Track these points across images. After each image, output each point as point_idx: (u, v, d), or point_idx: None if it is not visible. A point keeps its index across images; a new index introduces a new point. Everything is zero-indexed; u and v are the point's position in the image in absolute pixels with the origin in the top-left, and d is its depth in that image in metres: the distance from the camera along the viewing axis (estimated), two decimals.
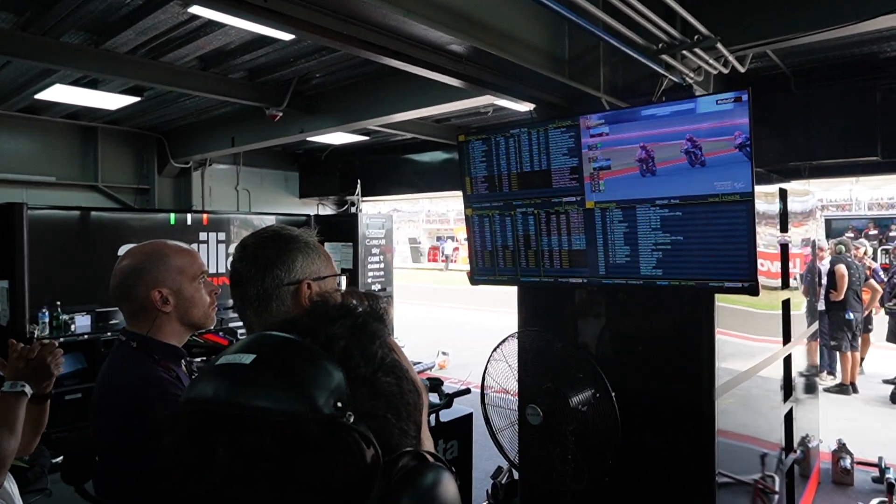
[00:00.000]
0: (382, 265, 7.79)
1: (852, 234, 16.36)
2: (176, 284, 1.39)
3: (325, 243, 1.33)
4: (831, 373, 7.38)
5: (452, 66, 2.77)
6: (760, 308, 3.20)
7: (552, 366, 2.61)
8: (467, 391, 3.48)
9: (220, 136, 6.52)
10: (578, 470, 2.50)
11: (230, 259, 1.31)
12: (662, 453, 2.71)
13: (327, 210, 9.32)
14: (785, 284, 3.49)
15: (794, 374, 3.74)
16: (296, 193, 9.06)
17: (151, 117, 6.52)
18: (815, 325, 4.68)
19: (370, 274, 7.60)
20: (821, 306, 6.73)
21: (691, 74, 2.96)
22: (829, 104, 4.54)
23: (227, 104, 5.69)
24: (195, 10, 2.79)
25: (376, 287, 7.64)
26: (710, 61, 2.92)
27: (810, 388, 4.37)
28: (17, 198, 5.68)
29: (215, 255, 6.46)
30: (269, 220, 6.90)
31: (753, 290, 2.29)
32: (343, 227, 7.41)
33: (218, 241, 6.52)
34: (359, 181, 8.09)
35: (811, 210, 4.43)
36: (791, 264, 3.56)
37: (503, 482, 3.73)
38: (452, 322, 12.94)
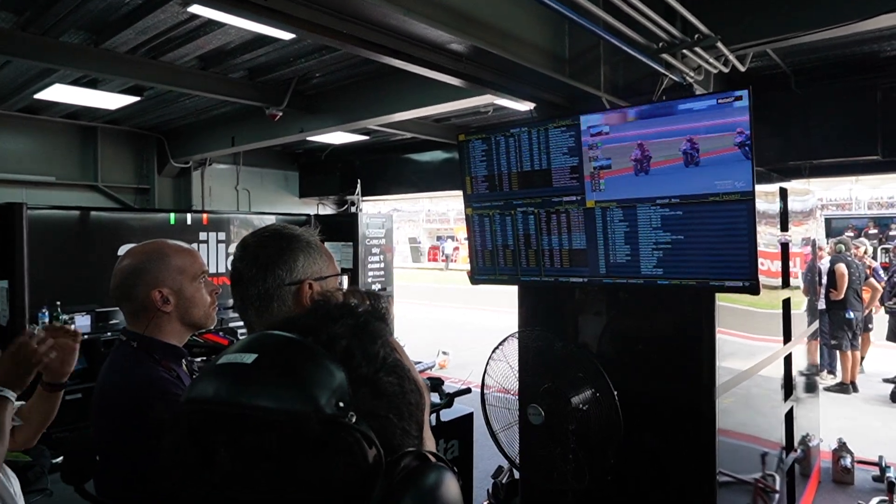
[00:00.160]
0: (382, 265, 7.78)
1: (852, 234, 16.35)
2: (176, 284, 1.39)
3: (326, 243, 1.32)
4: (832, 372, 7.38)
5: (452, 65, 2.76)
6: (761, 307, 3.20)
7: (552, 365, 2.61)
8: (468, 391, 3.48)
9: (220, 136, 6.52)
10: (580, 469, 2.50)
11: (230, 258, 1.30)
12: (663, 453, 2.71)
13: (327, 210, 9.32)
14: (785, 283, 3.49)
15: (794, 373, 3.74)
16: (296, 193, 9.05)
17: (151, 117, 6.51)
18: (816, 325, 4.67)
19: (370, 274, 7.59)
20: (821, 305, 6.74)
21: (691, 73, 2.95)
22: (830, 103, 4.54)
23: (226, 104, 5.69)
24: (195, 9, 2.79)
25: (376, 287, 7.63)
26: (711, 60, 2.92)
27: (811, 388, 4.37)
28: (17, 198, 5.67)
29: (215, 255, 6.45)
30: (270, 220, 6.89)
31: (754, 289, 2.29)
32: (343, 227, 7.41)
33: (218, 241, 6.52)
34: (359, 181, 8.08)
35: (811, 209, 4.43)
36: (791, 263, 3.56)
37: (504, 482, 3.73)
38: (453, 322, 12.94)
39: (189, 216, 6.41)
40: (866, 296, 7.38)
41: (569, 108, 3.27)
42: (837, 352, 7.18)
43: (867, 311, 7.46)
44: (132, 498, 1.20)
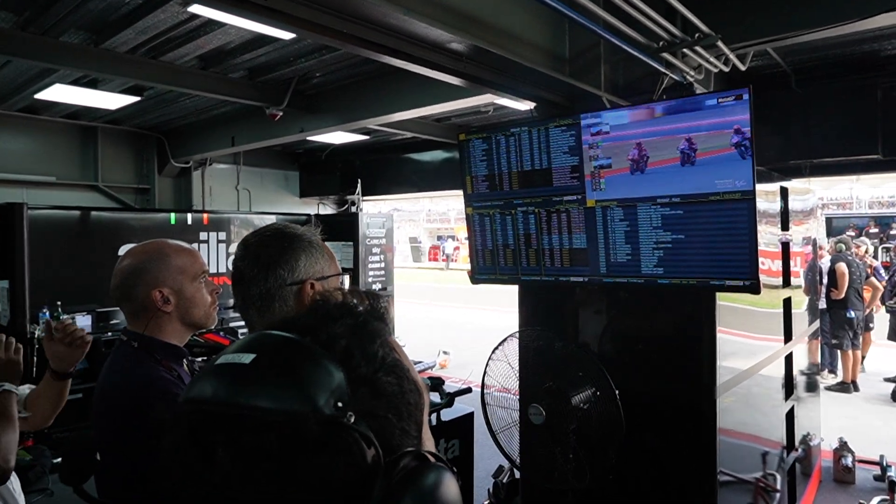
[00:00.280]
0: (383, 264, 7.78)
1: (854, 233, 16.35)
2: (177, 284, 1.39)
3: (326, 243, 1.31)
4: (832, 371, 7.37)
5: (453, 65, 2.76)
6: (761, 306, 3.20)
7: (553, 365, 2.61)
8: (468, 390, 3.48)
9: (221, 136, 6.52)
10: (580, 468, 2.50)
11: (231, 258, 1.30)
12: (663, 452, 2.71)
13: (328, 209, 9.32)
14: (786, 283, 3.49)
15: (795, 372, 3.74)
16: (296, 193, 9.05)
17: (151, 117, 6.51)
18: (816, 324, 4.67)
19: (371, 273, 7.60)
20: (822, 304, 6.73)
21: (692, 72, 2.95)
22: (830, 102, 4.54)
23: (227, 104, 5.68)
24: (195, 9, 2.79)
25: (377, 286, 7.63)
26: (711, 59, 2.92)
27: (811, 387, 4.37)
28: (18, 198, 5.68)
29: (216, 255, 6.46)
30: (270, 220, 6.89)
31: (755, 288, 2.28)
32: (343, 227, 7.41)
33: (218, 241, 6.52)
34: (359, 180, 8.09)
35: (812, 208, 4.42)
36: (792, 263, 3.55)
37: (504, 481, 3.73)
38: (453, 321, 12.94)
39: (189, 216, 6.41)
40: (867, 295, 7.37)
41: (569, 107, 3.26)
42: (838, 351, 7.18)
43: (868, 311, 7.45)
44: (132, 498, 1.20)
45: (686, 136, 2.31)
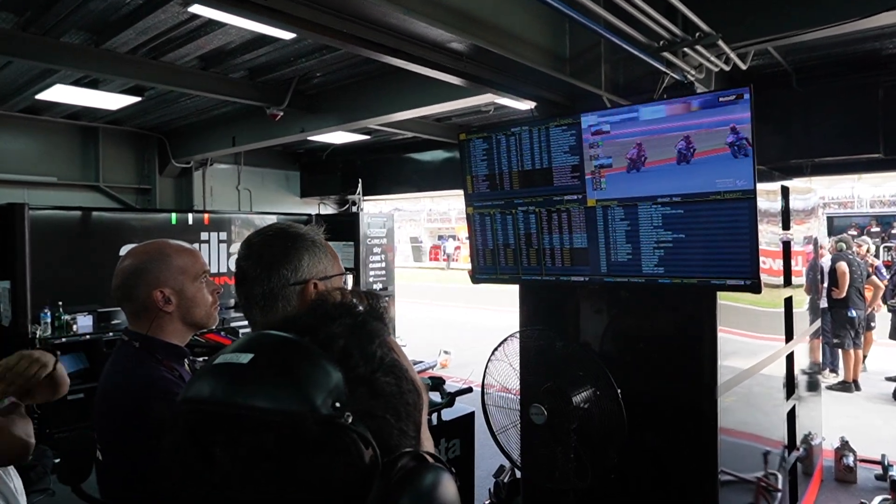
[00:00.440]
0: (384, 264, 7.78)
1: (856, 232, 16.34)
2: (178, 284, 1.39)
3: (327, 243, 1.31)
4: (834, 370, 7.36)
5: (453, 64, 2.76)
6: (762, 306, 3.20)
7: (554, 364, 2.61)
8: (469, 390, 3.47)
9: (221, 136, 6.52)
10: (582, 468, 2.50)
11: (232, 258, 1.30)
12: (664, 452, 2.71)
13: (328, 209, 9.32)
14: (787, 282, 3.49)
15: (796, 371, 3.73)
16: (297, 193, 9.06)
17: (152, 117, 6.52)
18: (818, 323, 4.67)
19: (371, 273, 7.60)
20: (823, 304, 6.72)
21: (692, 72, 2.95)
22: (831, 101, 4.53)
23: (227, 104, 5.69)
24: (195, 9, 2.79)
25: (378, 286, 7.63)
26: (712, 58, 2.92)
27: (813, 386, 4.37)
28: (19, 198, 5.68)
29: (217, 255, 6.46)
30: (271, 220, 6.89)
31: (756, 287, 2.28)
32: (344, 227, 7.41)
33: (219, 241, 6.52)
34: (360, 180, 8.09)
35: (813, 207, 4.42)
36: (793, 262, 3.55)
37: (505, 481, 3.73)
38: (454, 321, 12.94)
39: (190, 216, 6.41)
40: (868, 294, 7.36)
41: (570, 106, 3.26)
42: (840, 350, 7.17)
43: (869, 310, 7.44)
44: (133, 498, 1.20)
45: (685, 135, 2.31)
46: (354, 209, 8.19)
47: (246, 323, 1.28)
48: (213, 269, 6.19)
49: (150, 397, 1.24)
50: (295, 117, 5.43)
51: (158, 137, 7.21)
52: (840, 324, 7.03)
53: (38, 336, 4.92)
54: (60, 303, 5.12)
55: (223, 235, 6.56)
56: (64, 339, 5.07)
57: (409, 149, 7.94)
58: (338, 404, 0.49)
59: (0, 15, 3.62)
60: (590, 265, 2.70)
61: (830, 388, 6.80)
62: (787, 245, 3.45)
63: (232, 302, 6.27)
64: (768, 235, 3.11)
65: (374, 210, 10.10)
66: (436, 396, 3.12)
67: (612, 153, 2.52)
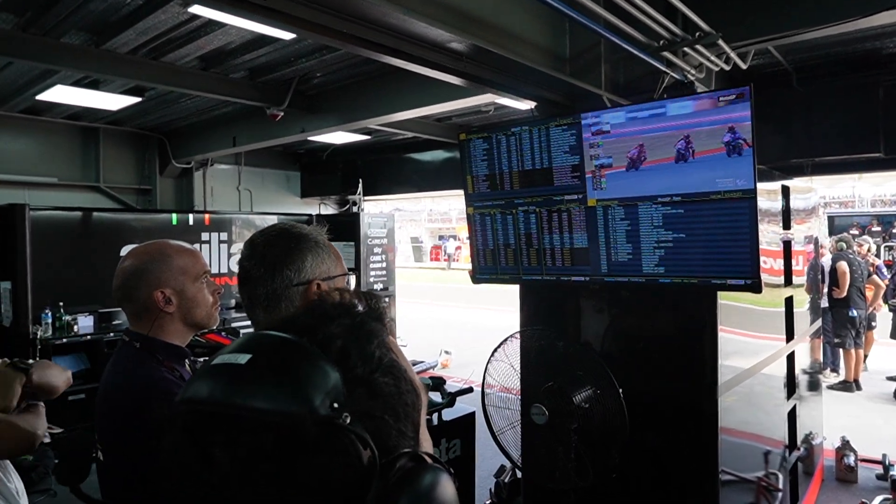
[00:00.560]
0: (384, 264, 7.79)
1: (857, 231, 16.33)
2: (179, 284, 1.39)
3: None
4: (835, 370, 7.36)
5: (453, 64, 2.76)
6: (763, 305, 3.20)
7: (555, 364, 2.61)
8: (470, 390, 3.47)
9: (222, 136, 6.52)
10: (583, 467, 2.50)
11: (233, 258, 1.29)
12: (665, 451, 2.71)
13: (329, 209, 9.33)
14: (788, 282, 3.48)
15: (797, 371, 3.73)
16: (297, 193, 9.06)
17: (153, 118, 6.52)
18: (818, 323, 4.66)
19: (372, 273, 7.60)
20: (824, 303, 6.72)
21: (693, 71, 2.95)
22: (832, 100, 4.53)
23: (228, 104, 5.69)
24: (195, 9, 2.79)
25: (378, 286, 7.64)
26: (712, 58, 2.91)
27: (814, 386, 4.36)
28: (19, 199, 5.69)
29: (217, 256, 6.46)
30: (271, 220, 6.90)
31: (756, 287, 2.28)
32: (345, 227, 7.41)
33: (220, 242, 6.53)
34: (360, 180, 8.09)
35: (814, 207, 4.42)
36: (794, 261, 3.55)
37: (506, 481, 3.73)
38: (455, 321, 12.94)
39: (191, 216, 6.42)
40: (869, 293, 7.36)
41: (570, 106, 3.26)
42: (841, 350, 7.16)
43: (870, 309, 7.44)
44: (134, 499, 1.21)
45: (685, 134, 2.31)
46: (355, 209, 8.19)
47: (247, 323, 1.28)
48: (214, 270, 6.19)
49: (151, 398, 1.24)
50: (295, 117, 5.43)
51: (159, 138, 7.22)
52: (841, 323, 7.02)
53: (39, 337, 4.93)
54: (61, 303, 5.12)
55: (224, 236, 6.56)
56: (65, 340, 5.08)
57: (409, 149, 7.94)
58: (336, 405, 0.49)
59: (0, 16, 3.62)
60: (590, 265, 2.70)
61: (831, 387, 6.80)
62: (787, 244, 3.45)
63: (233, 302, 6.27)
64: (769, 235, 3.11)
65: (374, 210, 10.10)
66: (436, 396, 3.12)
67: (613, 153, 2.52)
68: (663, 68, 2.82)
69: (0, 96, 5.48)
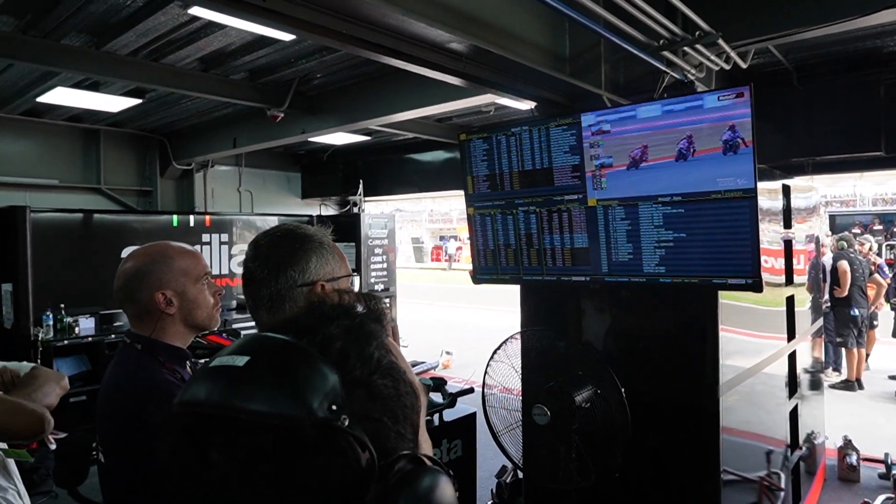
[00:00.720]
0: (385, 265, 7.79)
1: (859, 230, 16.31)
2: (180, 286, 1.39)
3: None
4: (836, 369, 7.35)
5: (453, 65, 2.76)
6: (764, 305, 3.19)
7: (556, 364, 2.61)
8: (470, 390, 3.47)
9: (222, 138, 6.53)
10: (585, 467, 2.50)
11: (234, 259, 1.29)
12: (666, 451, 2.71)
13: (330, 210, 9.33)
14: (789, 281, 3.48)
15: (798, 370, 3.73)
16: (298, 194, 9.06)
17: (153, 119, 6.53)
18: (820, 322, 4.66)
19: (373, 274, 7.60)
20: (825, 303, 6.71)
21: (693, 71, 2.95)
22: (832, 99, 4.52)
23: (228, 105, 5.70)
24: (195, 11, 2.80)
25: (379, 287, 7.64)
26: (712, 57, 2.91)
27: (815, 385, 4.36)
28: (20, 201, 5.69)
29: (218, 257, 6.46)
30: (272, 221, 6.90)
31: (757, 286, 2.28)
32: (346, 228, 7.42)
33: (221, 243, 6.53)
34: (361, 181, 8.10)
35: (815, 206, 4.41)
36: (795, 260, 3.54)
37: (508, 481, 3.73)
38: (456, 321, 12.94)
39: (192, 218, 6.42)
40: (871, 292, 7.35)
41: (570, 106, 3.26)
42: (842, 349, 7.16)
43: (872, 308, 7.43)
44: (135, 501, 1.21)
45: (686, 133, 2.31)
46: (356, 210, 8.19)
47: (248, 324, 1.28)
48: (215, 271, 6.19)
49: (152, 400, 1.24)
50: (295, 118, 5.44)
51: (159, 139, 7.22)
52: (843, 322, 7.01)
53: (40, 338, 4.93)
54: (62, 305, 5.13)
55: (225, 237, 6.56)
56: (66, 342, 5.08)
57: (409, 149, 7.95)
58: (334, 407, 0.49)
59: (0, 18, 3.62)
60: (591, 265, 2.70)
61: (833, 386, 6.79)
62: (788, 244, 3.44)
63: (234, 304, 6.27)
64: (770, 234, 3.11)
65: (375, 211, 10.11)
66: (437, 397, 3.12)
67: (613, 152, 2.52)
68: (663, 68, 2.82)
69: (1, 98, 5.49)
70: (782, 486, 3.38)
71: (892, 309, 7.51)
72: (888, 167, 5.27)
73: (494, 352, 2.80)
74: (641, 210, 2.49)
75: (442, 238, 33.74)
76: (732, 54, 2.95)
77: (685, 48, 2.77)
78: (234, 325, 5.81)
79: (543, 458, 2.63)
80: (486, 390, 2.83)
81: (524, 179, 2.83)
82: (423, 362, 7.95)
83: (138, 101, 5.41)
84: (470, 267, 3.21)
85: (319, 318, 0.57)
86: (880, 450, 4.56)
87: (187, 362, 1.44)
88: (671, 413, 2.69)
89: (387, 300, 7.57)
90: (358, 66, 4.60)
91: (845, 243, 7.29)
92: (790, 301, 3.55)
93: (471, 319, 13.11)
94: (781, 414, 3.48)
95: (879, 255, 11.11)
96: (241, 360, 0.52)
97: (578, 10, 2.26)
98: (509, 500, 3.66)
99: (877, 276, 7.54)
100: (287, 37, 3.71)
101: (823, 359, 6.09)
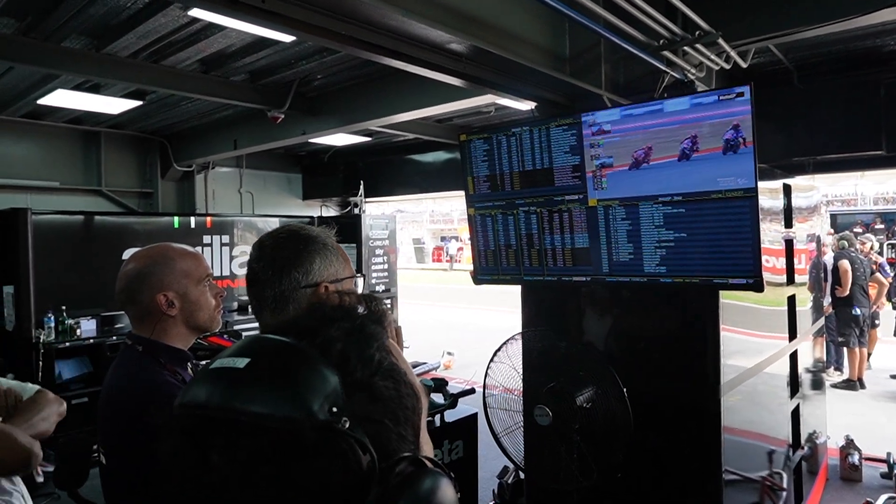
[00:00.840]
0: (386, 266, 7.79)
1: (861, 229, 16.29)
2: (181, 288, 1.39)
3: None
4: (838, 368, 7.34)
5: (453, 65, 2.76)
6: (766, 304, 3.19)
7: (557, 365, 2.61)
8: (472, 391, 3.47)
9: (223, 139, 6.53)
10: (586, 467, 2.49)
11: (235, 260, 1.29)
12: (667, 451, 2.70)
13: (331, 211, 9.33)
14: (790, 280, 3.48)
15: (800, 370, 3.72)
16: (299, 195, 9.07)
17: (154, 121, 6.53)
18: (821, 321, 4.65)
19: (374, 275, 7.61)
20: (827, 302, 6.70)
21: (693, 70, 2.95)
22: (833, 98, 4.52)
23: (228, 107, 5.70)
24: (195, 12, 2.80)
25: (380, 288, 7.65)
26: (712, 57, 2.91)
27: (817, 385, 4.35)
28: (21, 203, 5.70)
29: (219, 258, 6.47)
30: (273, 223, 6.90)
31: (758, 286, 2.28)
32: (347, 229, 7.41)
33: (222, 244, 6.53)
34: (362, 182, 8.10)
35: (816, 205, 4.41)
36: (797, 260, 3.54)
37: (509, 482, 3.73)
38: (457, 322, 12.94)
39: (193, 219, 6.42)
40: (873, 292, 7.34)
41: (570, 106, 3.26)
42: (844, 348, 7.15)
43: (874, 308, 7.42)
44: (136, 502, 1.21)
45: (687, 133, 2.31)
46: (356, 211, 8.20)
47: (249, 326, 1.27)
48: (216, 273, 6.19)
49: (153, 402, 1.24)
50: (296, 120, 5.44)
51: (160, 141, 7.23)
52: (845, 322, 7.00)
53: (41, 341, 4.93)
54: (64, 307, 5.13)
55: (226, 238, 6.56)
56: (67, 344, 5.08)
57: (410, 150, 7.95)
58: (335, 409, 0.49)
59: (1, 20, 3.63)
60: (591, 265, 2.70)
61: (835, 386, 6.78)
62: (789, 243, 3.44)
63: (235, 305, 6.28)
64: (771, 234, 3.10)
65: (376, 212, 10.11)
66: (439, 398, 3.12)
67: (614, 152, 2.52)
68: (663, 68, 2.82)
69: (2, 101, 5.50)
70: (784, 485, 3.37)
71: (894, 308, 7.49)
72: (889, 166, 5.27)
73: (495, 352, 2.80)
74: (642, 210, 2.49)
75: (443, 239, 33.73)
76: (732, 54, 2.95)
77: (685, 48, 2.76)
78: (236, 327, 5.81)
79: (545, 458, 2.63)
80: (486, 391, 2.83)
81: (525, 180, 2.82)
82: (424, 363, 7.95)
83: (139, 102, 5.41)
84: (471, 267, 3.21)
85: (320, 319, 0.57)
86: (882, 449, 4.55)
87: (188, 364, 1.44)
88: (672, 413, 2.69)
89: (388, 301, 7.57)
90: (358, 68, 4.61)
91: (846, 242, 7.28)
92: (791, 300, 3.55)
93: (472, 320, 13.11)
94: (783, 413, 3.47)
95: (881, 254, 11.10)
96: (242, 362, 0.52)
97: (578, 10, 2.26)
98: (511, 501, 3.66)
99: (878, 275, 7.53)
100: (287, 38, 3.72)
101: (825, 358, 6.08)
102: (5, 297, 5.07)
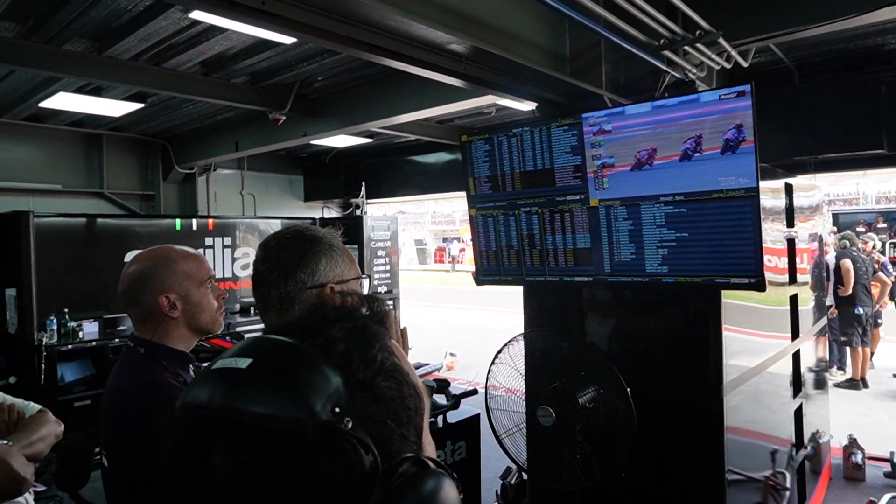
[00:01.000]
0: (388, 267, 7.80)
1: (863, 228, 16.26)
2: (183, 289, 1.39)
3: None
4: (841, 368, 7.33)
5: (453, 66, 2.76)
6: (768, 304, 3.19)
7: (560, 365, 2.60)
8: (474, 392, 3.47)
9: (224, 141, 6.54)
10: (589, 467, 2.49)
11: (237, 262, 1.29)
12: (670, 451, 2.70)
13: (332, 213, 9.34)
14: (792, 279, 3.47)
15: (803, 369, 3.72)
16: (301, 197, 9.07)
17: (155, 123, 6.54)
18: (824, 320, 4.64)
19: (376, 276, 7.61)
20: (829, 301, 6.69)
21: (694, 70, 2.94)
22: (834, 97, 4.51)
23: (230, 109, 5.71)
24: (196, 15, 2.80)
25: (382, 289, 7.65)
26: (713, 56, 2.91)
27: (820, 384, 4.34)
28: (23, 206, 5.71)
29: (221, 260, 6.47)
30: (275, 224, 6.91)
31: (760, 285, 2.28)
32: (349, 230, 7.34)
33: (224, 246, 6.54)
34: (363, 184, 8.10)
35: (817, 205, 4.40)
36: (799, 259, 3.54)
37: (512, 482, 3.72)
38: (459, 323, 12.94)
39: (195, 221, 6.43)
40: (875, 291, 7.32)
41: (571, 106, 3.26)
42: (847, 348, 7.13)
43: (877, 307, 7.40)
44: (138, 503, 1.21)
45: (688, 133, 2.31)
46: (358, 212, 8.20)
47: (250, 327, 1.28)
48: (218, 274, 6.20)
49: (154, 404, 1.24)
50: (297, 121, 5.44)
51: (162, 143, 7.24)
52: (847, 321, 6.99)
53: (44, 343, 4.94)
54: (66, 310, 5.13)
55: (227, 240, 6.57)
56: (70, 346, 5.09)
57: (411, 151, 7.95)
58: (337, 409, 0.49)
59: (2, 24, 3.64)
60: (593, 265, 2.70)
61: (838, 385, 6.77)
62: (791, 242, 3.44)
63: (237, 307, 6.28)
64: (773, 233, 3.10)
65: (377, 213, 10.11)
66: (441, 399, 3.12)
67: (615, 152, 2.52)
68: (664, 67, 2.82)
69: (3, 104, 5.51)
70: (787, 485, 3.37)
71: None
72: (890, 165, 5.26)
73: (498, 353, 2.80)
74: (643, 210, 2.49)
75: (445, 240, 33.73)
76: (733, 53, 2.95)
77: (686, 47, 2.76)
78: (238, 329, 5.82)
79: (548, 459, 2.63)
80: (489, 392, 2.83)
81: (526, 180, 2.82)
82: (426, 364, 7.93)
83: (140, 105, 5.42)
84: (473, 268, 3.21)
85: (322, 320, 0.57)
86: (885, 448, 4.55)
87: (190, 366, 1.44)
88: (675, 413, 2.68)
89: (390, 302, 7.56)
90: (359, 69, 4.61)
91: (848, 242, 7.27)
92: (794, 300, 3.54)
93: (474, 321, 13.11)
94: (786, 413, 3.47)
95: (883, 253, 11.07)
96: (244, 363, 0.52)
97: (578, 10, 2.25)
98: (514, 502, 3.65)
99: (881, 274, 7.52)
100: (288, 40, 3.72)
101: (828, 357, 6.07)
102: (8, 300, 5.08)
